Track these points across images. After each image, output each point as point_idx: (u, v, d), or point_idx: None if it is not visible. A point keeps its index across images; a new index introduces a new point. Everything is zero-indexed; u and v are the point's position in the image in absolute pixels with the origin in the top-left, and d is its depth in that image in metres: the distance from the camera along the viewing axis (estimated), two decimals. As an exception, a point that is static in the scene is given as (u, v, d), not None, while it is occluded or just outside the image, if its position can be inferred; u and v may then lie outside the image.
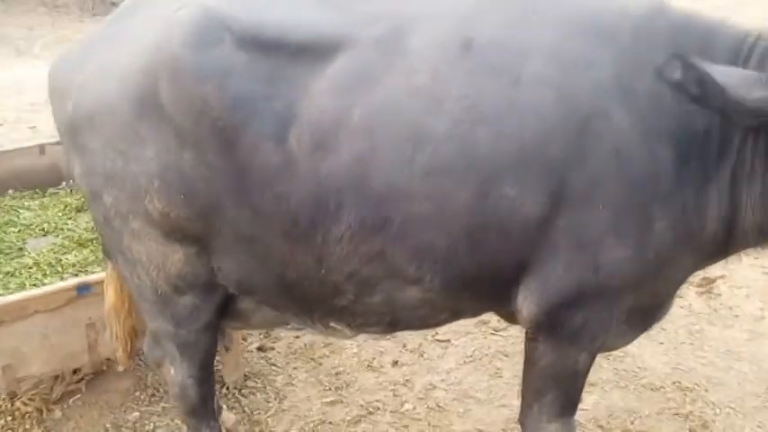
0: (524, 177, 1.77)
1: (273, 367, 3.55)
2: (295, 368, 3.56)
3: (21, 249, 3.82)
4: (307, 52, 1.85)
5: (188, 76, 1.83)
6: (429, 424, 3.13)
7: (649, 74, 1.73)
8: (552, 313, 1.95)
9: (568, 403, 2.25)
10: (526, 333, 2.15)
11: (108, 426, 3.11)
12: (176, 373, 2.39)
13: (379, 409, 3.23)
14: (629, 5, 1.89)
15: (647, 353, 3.60)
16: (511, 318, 2.21)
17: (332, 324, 2.22)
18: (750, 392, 3.32)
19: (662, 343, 3.70)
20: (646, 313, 2.12)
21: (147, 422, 3.13)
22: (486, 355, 3.67)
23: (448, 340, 3.80)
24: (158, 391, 3.35)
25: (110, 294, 2.54)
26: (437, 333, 3.85)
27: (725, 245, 1.93)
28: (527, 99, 1.76)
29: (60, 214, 4.36)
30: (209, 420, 2.54)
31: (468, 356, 3.66)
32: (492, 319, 3.96)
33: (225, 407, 3.06)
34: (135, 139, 1.93)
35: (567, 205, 1.78)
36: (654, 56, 1.73)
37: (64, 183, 4.92)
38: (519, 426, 3.04)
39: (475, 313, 2.29)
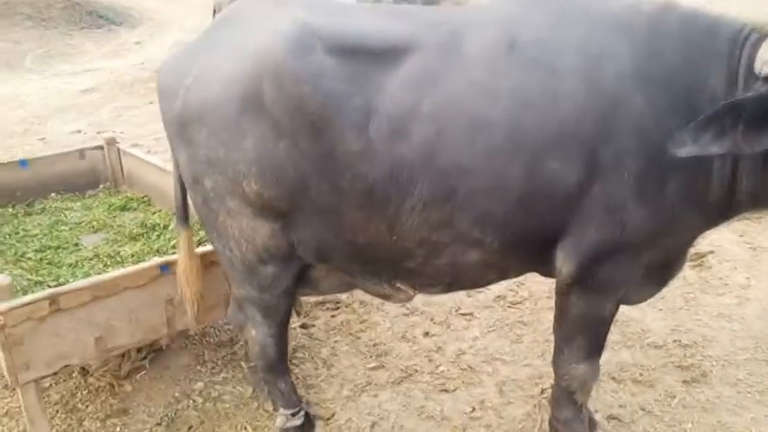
0: (564, 153, 2.17)
1: (317, 341, 3.93)
2: (336, 342, 3.95)
3: (76, 245, 4.17)
4: (381, 56, 2.25)
5: (288, 78, 2.21)
6: (463, 382, 3.53)
7: (661, 62, 2.14)
8: (585, 268, 2.34)
9: (595, 347, 2.65)
10: (560, 288, 2.51)
11: (177, 395, 3.46)
12: (258, 333, 2.76)
13: (417, 371, 3.63)
14: (642, 3, 2.30)
15: (649, 317, 4.04)
16: (548, 274, 2.59)
17: (398, 284, 2.61)
18: (740, 347, 3.77)
19: (661, 309, 4.14)
20: (661, 269, 2.51)
21: (211, 390, 3.49)
22: (507, 324, 4.09)
23: (471, 313, 4.21)
24: (217, 365, 3.72)
25: (182, 259, 2.89)
26: (460, 308, 4.27)
27: (726, 209, 2.30)
28: (562, 88, 2.16)
29: (106, 213, 4.72)
30: (285, 375, 2.92)
31: (490, 326, 4.07)
32: (509, 293, 4.41)
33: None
34: (237, 132, 2.31)
35: (599, 175, 2.18)
36: (666, 45, 2.15)
37: (101, 185, 5.29)
38: (540, 380, 3.50)
39: (518, 273, 2.67)
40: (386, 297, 2.77)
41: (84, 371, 3.55)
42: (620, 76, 2.14)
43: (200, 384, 3.54)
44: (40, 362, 2.81)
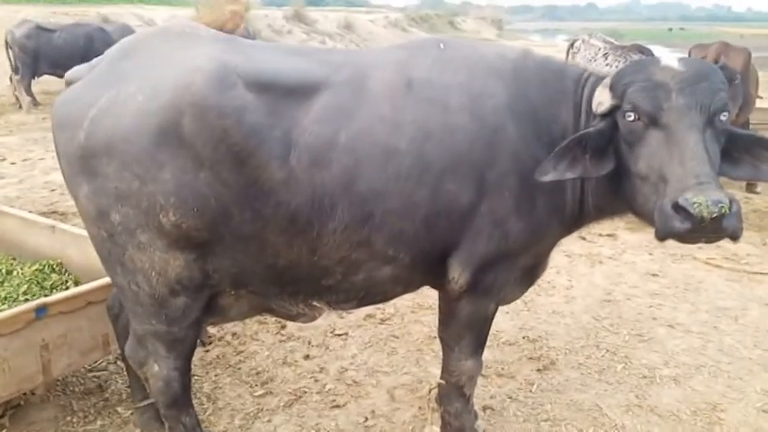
0: (459, 176, 2.50)
1: (195, 377, 3.83)
2: (216, 375, 3.90)
3: None
4: (295, 92, 2.42)
5: (212, 112, 2.27)
6: (351, 396, 3.70)
7: (526, 98, 2.60)
8: (475, 275, 2.68)
9: (480, 344, 3.01)
10: (451, 295, 2.78)
11: (50, 450, 3.18)
12: (161, 368, 2.69)
13: (306, 392, 3.73)
14: (506, 52, 2.77)
15: (500, 320, 4.56)
16: (438, 285, 2.88)
17: (314, 303, 2.73)
18: (575, 337, 4.44)
19: (508, 312, 4.71)
20: (531, 271, 2.94)
21: (89, 440, 3.27)
22: (381, 339, 4.36)
23: (346, 333, 4.42)
24: (90, 414, 3.47)
25: None
26: (335, 329, 4.46)
27: (579, 219, 2.79)
28: (454, 121, 2.51)
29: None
30: (189, 409, 2.85)
31: (366, 343, 4.31)
32: (377, 312, 4.70)
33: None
34: (153, 164, 2.30)
35: (486, 194, 2.54)
36: (528, 85, 2.60)
37: None
38: (420, 385, 3.81)
39: (418, 286, 2.92)
40: (294, 317, 2.86)
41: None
42: (496, 110, 2.55)
43: (74, 436, 3.29)
44: None
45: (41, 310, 2.85)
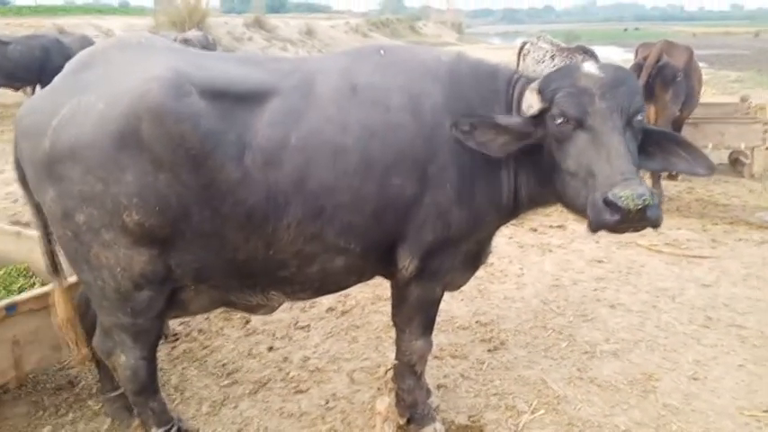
0: (403, 171, 2.73)
1: (162, 370, 3.99)
2: (183, 368, 4.07)
3: None
4: (246, 98, 2.62)
5: (169, 118, 2.46)
6: (314, 382, 3.91)
7: (461, 98, 2.84)
8: (422, 261, 2.91)
9: (429, 325, 3.24)
10: (401, 281, 3.01)
11: (25, 442, 3.32)
12: (128, 358, 2.86)
13: (270, 380, 3.93)
14: (441, 55, 3.02)
15: (454, 306, 4.85)
16: (388, 273, 3.10)
17: (272, 293, 2.93)
18: (525, 320, 4.73)
19: (462, 299, 4.98)
20: (474, 257, 3.18)
21: (62, 431, 3.41)
22: (342, 329, 4.58)
23: (308, 325, 4.63)
24: (61, 408, 3.61)
25: (62, 309, 2.91)
26: (298, 322, 4.67)
27: (514, 209, 3.04)
28: (396, 120, 2.74)
29: None
30: (156, 395, 3.03)
31: (328, 333, 4.53)
32: (338, 305, 4.92)
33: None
34: (115, 167, 2.47)
35: (429, 187, 2.77)
36: (463, 86, 2.86)
37: None
38: (378, 369, 4.03)
39: (371, 275, 3.14)
40: (254, 309, 3.06)
41: None
42: (435, 109, 2.79)
43: (47, 428, 3.42)
44: None
45: (11, 308, 3.00)
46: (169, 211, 2.57)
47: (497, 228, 3.17)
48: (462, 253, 3.06)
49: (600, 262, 5.91)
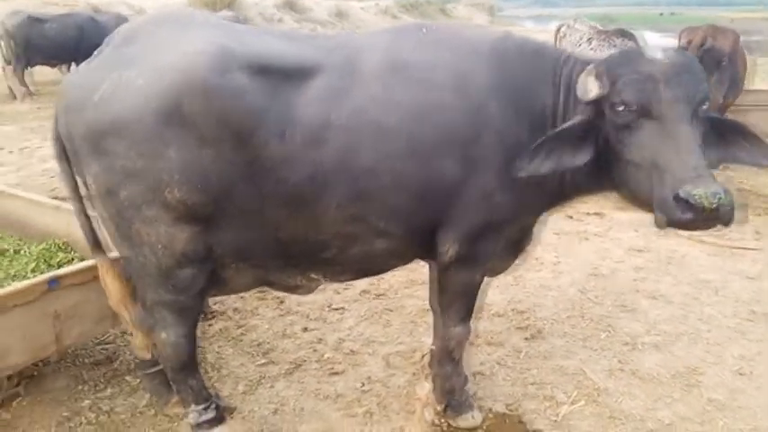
0: (447, 152, 2.65)
1: (199, 348, 4.00)
2: (220, 347, 4.08)
3: None
4: (290, 75, 2.56)
5: (212, 94, 2.42)
6: (349, 364, 3.89)
7: (507, 77, 2.75)
8: (464, 246, 2.83)
9: (468, 311, 3.18)
10: (442, 265, 2.93)
11: (65, 414, 3.35)
12: (169, 335, 2.86)
13: (305, 361, 3.92)
14: (486, 34, 2.93)
15: (490, 294, 4.77)
16: (429, 257, 3.03)
17: (312, 275, 2.90)
18: (562, 309, 4.64)
19: (498, 286, 4.90)
20: (516, 243, 3.11)
21: (101, 405, 3.44)
22: (376, 313, 4.54)
23: (342, 307, 4.61)
24: (100, 382, 3.65)
25: (113, 288, 2.90)
26: (332, 303, 4.65)
27: (560, 195, 2.93)
28: (440, 100, 2.66)
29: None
30: (195, 372, 3.03)
31: (361, 316, 4.50)
32: (371, 288, 4.88)
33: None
34: (159, 143, 2.44)
35: (473, 170, 2.69)
36: (508, 65, 2.76)
37: None
38: (413, 354, 4.00)
39: (411, 258, 3.08)
40: (292, 290, 3.03)
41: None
42: (479, 89, 2.69)
43: (87, 402, 3.47)
44: (-74, 389, 2.63)
45: (53, 282, 3.01)
46: (211, 188, 2.54)
47: (541, 214, 3.08)
48: (505, 239, 2.98)
49: (639, 251, 5.77)
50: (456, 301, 3.12)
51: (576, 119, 2.59)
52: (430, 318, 4.42)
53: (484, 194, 2.76)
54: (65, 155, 2.71)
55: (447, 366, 3.27)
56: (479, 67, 2.73)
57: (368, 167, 2.62)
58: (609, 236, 6.14)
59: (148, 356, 3.12)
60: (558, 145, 2.54)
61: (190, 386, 3.02)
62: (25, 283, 2.97)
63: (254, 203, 2.61)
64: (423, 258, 3.15)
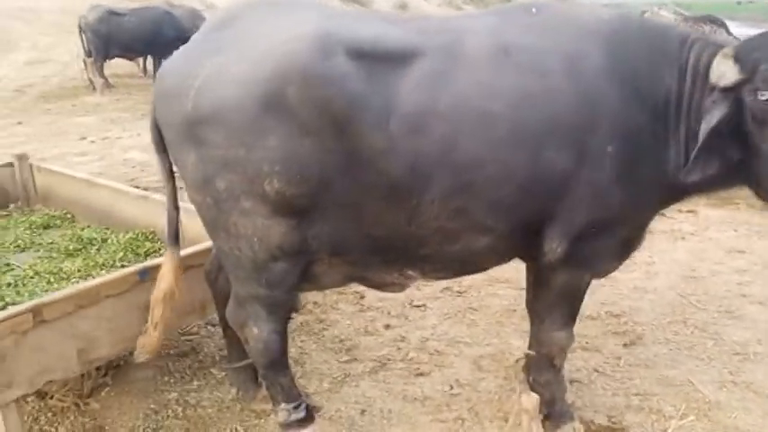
0: (558, 142, 2.43)
1: (282, 343, 3.94)
2: (302, 341, 3.99)
3: (8, 265, 3.90)
4: (393, 59, 2.40)
5: (316, 81, 2.29)
6: (435, 365, 3.72)
7: (626, 60, 2.50)
8: (573, 245, 2.60)
9: (572, 315, 2.95)
10: (547, 265, 2.70)
11: (153, 406, 3.33)
12: (261, 330, 2.76)
13: (389, 360, 3.77)
14: (602, 13, 2.66)
15: (581, 295, 4.49)
16: (529, 256, 2.83)
17: (409, 272, 2.74)
18: (661, 313, 4.32)
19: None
20: (628, 243, 2.84)
21: (188, 398, 3.40)
22: (459, 311, 4.35)
23: (424, 305, 4.44)
24: (186, 374, 3.62)
25: (166, 282, 2.83)
26: (413, 300, 4.48)
27: (681, 192, 2.67)
28: (551, 85, 2.44)
29: (29, 232, 4.44)
30: (286, 370, 2.93)
31: (444, 314, 4.32)
32: (453, 284, 4.69)
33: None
34: (259, 131, 2.33)
35: (587, 162, 2.45)
36: (627, 46, 2.51)
37: (11, 204, 4.94)
38: (503, 356, 3.79)
39: (511, 257, 2.88)
40: (385, 287, 2.88)
41: (42, 394, 3.31)
42: (596, 74, 2.46)
43: (173, 394, 3.44)
44: (23, 378, 2.62)
45: (144, 273, 2.97)
46: (311, 179, 2.41)
47: (658, 212, 2.82)
48: (618, 238, 2.73)
49: (740, 252, 5.34)
50: (560, 304, 2.90)
51: (719, 108, 2.32)
52: (516, 318, 4.24)
53: (597, 189, 2.52)
54: (161, 143, 2.65)
55: (547, 374, 3.05)
56: (595, 49, 2.50)
57: (472, 158, 2.43)
58: (705, 235, 5.72)
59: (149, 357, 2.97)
60: (717, 141, 2.33)
61: (280, 383, 2.92)
62: (117, 273, 2.94)
63: (352, 196, 2.47)
64: (523, 258, 2.94)
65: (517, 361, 3.42)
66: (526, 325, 4.10)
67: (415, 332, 4.09)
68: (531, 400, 2.52)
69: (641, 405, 3.36)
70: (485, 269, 2.93)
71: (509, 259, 2.92)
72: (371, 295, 4.52)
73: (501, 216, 2.55)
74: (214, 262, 3.14)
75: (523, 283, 4.24)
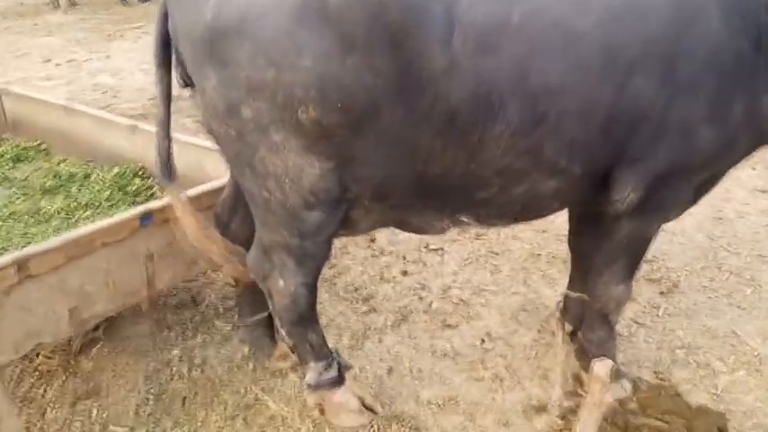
0: (649, 68, 2.03)
1: (291, 292, 3.58)
2: (312, 290, 3.63)
3: (-25, 203, 3.40)
4: None
5: None
6: (461, 316, 3.42)
7: None
8: (649, 191, 2.26)
9: (633, 267, 2.62)
10: (614, 212, 2.35)
11: (153, 365, 2.98)
12: (288, 283, 2.38)
13: (412, 311, 3.45)
14: None
15: (608, 238, 4.20)
16: (591, 204, 2.44)
17: (463, 218, 2.36)
18: (693, 258, 4.07)
19: (613, 230, 4.33)
20: (701, 189, 2.51)
21: (192, 356, 3.05)
22: (481, 256, 4.03)
23: (441, 248, 4.09)
24: (187, 329, 3.26)
25: (190, 220, 2.43)
26: (429, 244, 4.13)
27: (765, 136, 2.31)
28: (648, 2, 2.03)
29: (-3, 165, 3.91)
30: (315, 326, 2.57)
31: (464, 259, 3.99)
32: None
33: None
34: (292, 48, 1.87)
35: (677, 95, 2.07)
36: None
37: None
38: (532, 306, 3.50)
39: (574, 204, 2.54)
40: (430, 232, 2.51)
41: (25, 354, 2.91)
42: None
43: (175, 352, 3.08)
44: (7, 344, 2.22)
45: (146, 218, 2.54)
46: (353, 108, 1.96)
47: (747, 155, 2.46)
48: (696, 185, 2.40)
49: (764, 192, 5.08)
50: (623, 256, 2.57)
51: None
52: (542, 264, 3.94)
53: (686, 127, 2.14)
54: (165, 59, 2.16)
55: (600, 331, 2.77)
56: None
57: (551, 84, 2.00)
58: (727, 174, 5.44)
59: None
60: None
61: (309, 341, 2.57)
62: (115, 218, 2.49)
63: (403, 129, 2.04)
64: (582, 205, 2.58)
65: (552, 314, 3.13)
66: (553, 271, 3.86)
67: (436, 279, 3.77)
68: (604, 366, 2.21)
69: (687, 359, 3.12)
70: (543, 216, 2.56)
71: (567, 207, 2.57)
72: (383, 238, 4.16)
73: (576, 155, 2.16)
74: (226, 204, 2.71)
75: (544, 225, 3.92)
